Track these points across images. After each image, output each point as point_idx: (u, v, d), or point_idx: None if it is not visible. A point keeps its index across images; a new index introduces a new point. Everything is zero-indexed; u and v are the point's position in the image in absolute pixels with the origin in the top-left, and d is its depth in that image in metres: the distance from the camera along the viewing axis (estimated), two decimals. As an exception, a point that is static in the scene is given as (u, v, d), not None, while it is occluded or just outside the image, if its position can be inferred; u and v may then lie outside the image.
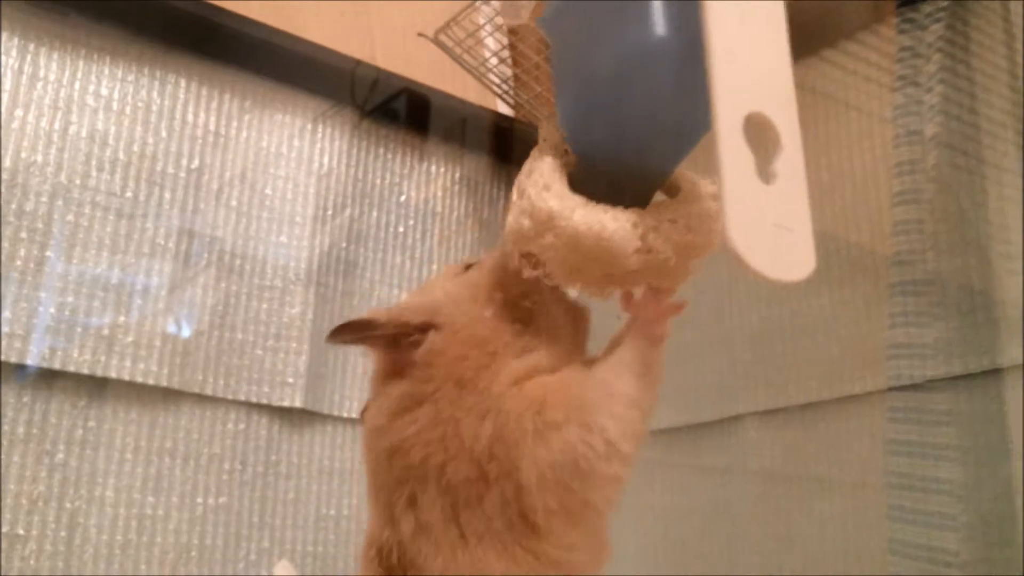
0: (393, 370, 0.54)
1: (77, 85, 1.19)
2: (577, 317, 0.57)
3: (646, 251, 0.46)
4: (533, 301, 0.54)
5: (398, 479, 0.51)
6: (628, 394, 0.50)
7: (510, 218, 0.48)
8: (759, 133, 0.44)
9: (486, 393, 0.50)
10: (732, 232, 0.40)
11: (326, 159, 1.37)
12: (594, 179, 0.48)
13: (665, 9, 0.45)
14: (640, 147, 0.49)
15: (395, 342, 0.53)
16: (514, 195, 0.49)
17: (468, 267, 0.58)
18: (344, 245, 1.36)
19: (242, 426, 1.23)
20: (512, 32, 1.40)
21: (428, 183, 1.47)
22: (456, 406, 0.50)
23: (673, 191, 0.51)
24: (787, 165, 0.44)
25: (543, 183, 0.47)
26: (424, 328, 0.53)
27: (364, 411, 0.57)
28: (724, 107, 0.41)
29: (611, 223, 0.46)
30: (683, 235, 0.47)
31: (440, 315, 0.53)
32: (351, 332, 0.53)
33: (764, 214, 0.42)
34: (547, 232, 0.46)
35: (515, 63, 1.42)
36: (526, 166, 0.49)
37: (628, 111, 0.47)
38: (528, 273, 0.49)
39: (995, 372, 0.99)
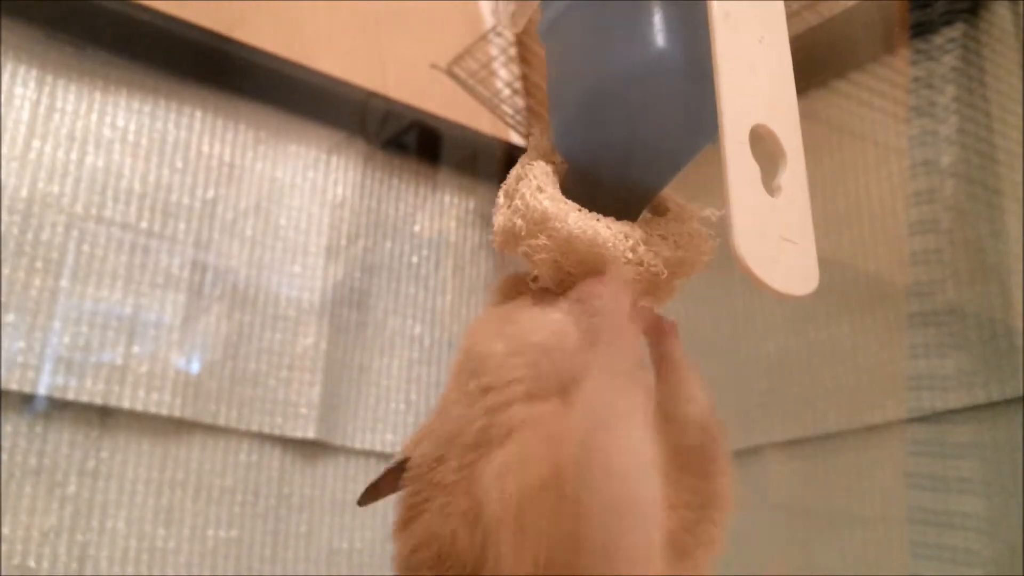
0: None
1: (93, 116, 1.19)
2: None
3: (636, 263, 0.46)
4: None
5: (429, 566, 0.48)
6: (630, 429, 0.41)
7: (499, 218, 0.48)
8: (763, 146, 0.43)
9: (472, 497, 0.46)
10: (739, 243, 0.39)
11: (339, 190, 1.38)
12: (583, 191, 0.48)
13: (665, 23, 0.45)
14: (634, 161, 0.49)
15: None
16: (500, 198, 0.49)
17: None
18: (357, 276, 1.36)
19: (254, 457, 1.22)
20: (525, 63, 1.41)
21: (441, 214, 1.47)
22: (446, 516, 0.46)
23: (661, 211, 0.51)
24: (791, 178, 0.44)
25: (536, 185, 0.47)
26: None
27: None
28: (731, 117, 0.41)
29: (604, 231, 0.46)
30: (673, 251, 0.47)
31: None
32: (385, 487, 0.51)
33: (770, 226, 0.41)
34: (540, 233, 0.46)
35: (528, 94, 1.43)
36: (514, 171, 0.49)
37: (625, 124, 0.47)
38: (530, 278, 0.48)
39: (1017, 401, 0.98)
